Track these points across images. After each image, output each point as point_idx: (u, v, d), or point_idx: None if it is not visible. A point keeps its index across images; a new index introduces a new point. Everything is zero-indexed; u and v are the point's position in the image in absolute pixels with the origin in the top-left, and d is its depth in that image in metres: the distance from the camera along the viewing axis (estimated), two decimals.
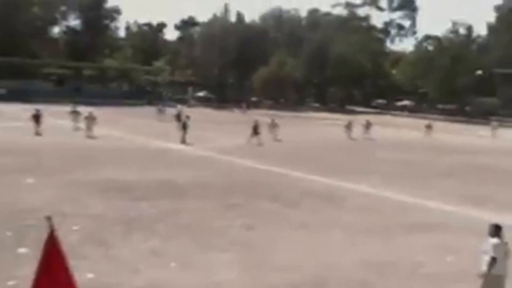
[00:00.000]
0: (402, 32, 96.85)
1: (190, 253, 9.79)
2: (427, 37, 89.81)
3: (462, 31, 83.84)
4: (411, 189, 17.52)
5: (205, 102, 75.10)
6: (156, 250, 9.86)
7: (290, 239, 11.18)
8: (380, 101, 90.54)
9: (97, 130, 28.96)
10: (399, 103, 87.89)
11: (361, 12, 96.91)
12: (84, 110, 32.58)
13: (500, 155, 30.41)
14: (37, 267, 3.85)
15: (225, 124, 43.77)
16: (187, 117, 31.86)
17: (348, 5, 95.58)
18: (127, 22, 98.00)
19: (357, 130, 36.67)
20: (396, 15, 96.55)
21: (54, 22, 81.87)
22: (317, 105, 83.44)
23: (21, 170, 17.08)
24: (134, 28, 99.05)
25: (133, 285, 8.19)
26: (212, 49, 77.99)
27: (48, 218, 3.79)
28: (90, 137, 27.73)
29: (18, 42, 69.43)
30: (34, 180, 15.77)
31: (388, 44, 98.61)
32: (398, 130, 46.80)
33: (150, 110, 45.13)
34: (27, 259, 8.32)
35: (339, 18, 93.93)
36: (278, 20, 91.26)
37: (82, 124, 30.44)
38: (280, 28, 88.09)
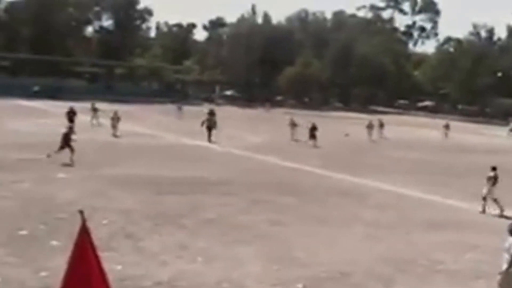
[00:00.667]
0: (424, 34, 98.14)
1: (215, 247, 9.99)
2: (449, 39, 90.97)
3: (483, 33, 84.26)
4: (430, 187, 17.80)
5: (232, 100, 75.53)
6: (183, 244, 10.07)
7: (314, 234, 11.32)
8: (402, 101, 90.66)
9: (122, 125, 28.99)
10: (421, 104, 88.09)
11: (385, 14, 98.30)
12: (111, 108, 32.60)
13: None
14: (69, 258, 3.98)
15: (249, 121, 44.18)
16: (213, 113, 31.71)
17: (372, 8, 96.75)
18: (157, 23, 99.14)
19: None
20: (419, 18, 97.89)
21: (88, 22, 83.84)
22: (340, 105, 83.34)
23: (52, 165, 17.35)
24: (164, 29, 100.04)
25: (160, 277, 8.38)
26: (240, 49, 78.52)
27: (81, 212, 3.97)
28: (115, 135, 27.84)
29: (54, 41, 71.42)
30: (65, 175, 16.15)
31: (410, 46, 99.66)
32: (418, 129, 47.24)
33: (172, 108, 46.39)
34: (59, 251, 8.54)
35: (363, 20, 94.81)
36: (304, 21, 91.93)
37: (101, 121, 31.31)
38: (306, 30, 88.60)
